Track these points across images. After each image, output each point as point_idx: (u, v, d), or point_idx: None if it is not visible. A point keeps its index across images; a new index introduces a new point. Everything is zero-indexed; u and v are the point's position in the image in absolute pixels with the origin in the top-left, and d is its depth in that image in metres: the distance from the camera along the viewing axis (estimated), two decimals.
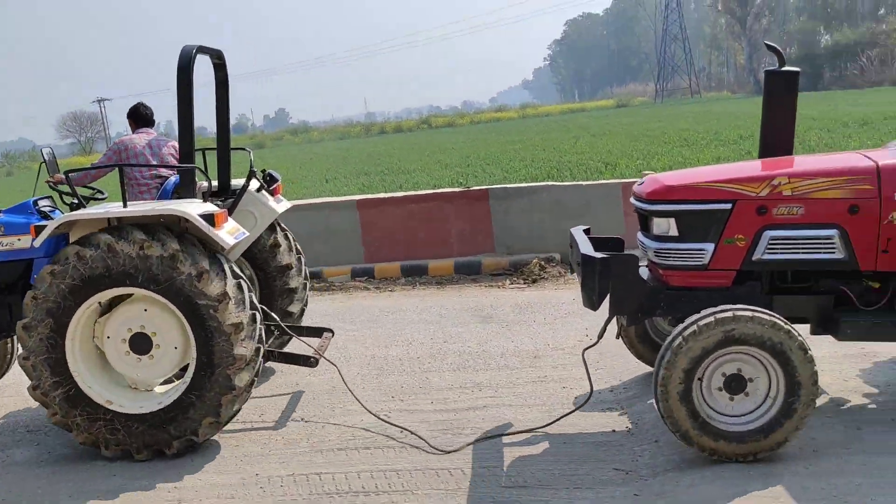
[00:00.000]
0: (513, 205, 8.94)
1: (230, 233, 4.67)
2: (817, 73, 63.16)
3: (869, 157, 4.13)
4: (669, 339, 3.89)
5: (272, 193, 5.75)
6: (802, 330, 4.05)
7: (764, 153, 4.84)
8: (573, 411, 4.70)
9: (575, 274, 4.66)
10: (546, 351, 6.08)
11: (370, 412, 4.97)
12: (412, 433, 4.66)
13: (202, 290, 4.38)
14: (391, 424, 4.81)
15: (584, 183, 9.32)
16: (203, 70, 5.49)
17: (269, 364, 5.88)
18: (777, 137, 4.83)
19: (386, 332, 6.97)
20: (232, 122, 5.85)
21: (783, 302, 4.22)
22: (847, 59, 60.02)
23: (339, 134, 68.40)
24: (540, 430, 4.58)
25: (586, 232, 4.82)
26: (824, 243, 4.06)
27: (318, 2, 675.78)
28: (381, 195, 10.29)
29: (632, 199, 4.50)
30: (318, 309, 8.03)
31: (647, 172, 6.20)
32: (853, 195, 4.00)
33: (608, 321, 4.57)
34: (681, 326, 3.88)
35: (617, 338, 5.12)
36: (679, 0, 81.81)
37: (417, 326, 7.07)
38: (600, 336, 4.70)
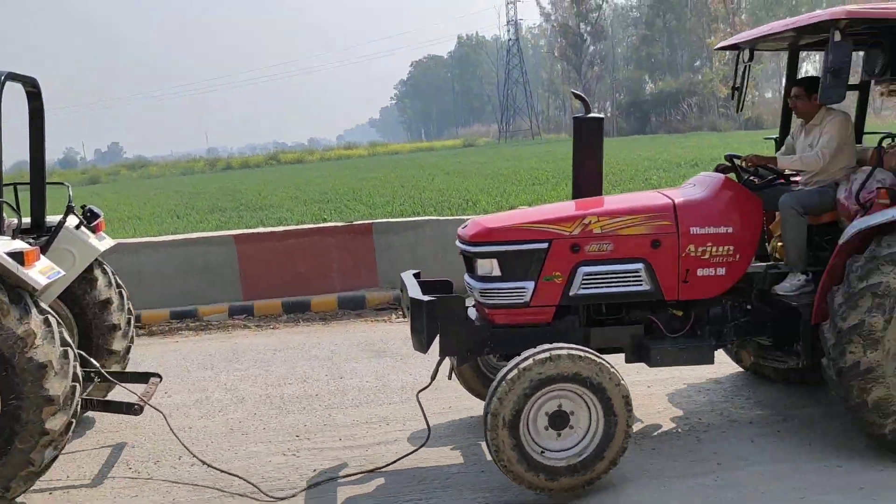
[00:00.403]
0: (396, 239, 8.98)
1: (42, 272, 4.34)
2: (644, 118, 68.15)
3: (666, 196, 4.53)
4: (483, 410, 3.95)
5: (94, 230, 5.45)
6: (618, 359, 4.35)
7: (576, 194, 5.13)
8: (416, 450, 4.64)
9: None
10: (445, 382, 6.03)
11: (201, 461, 4.76)
12: (245, 480, 4.49)
13: None
14: (223, 472, 4.61)
15: (466, 217, 9.52)
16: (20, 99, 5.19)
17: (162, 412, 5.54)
18: (587, 178, 5.12)
19: (277, 371, 6.76)
20: (59, 155, 5.68)
21: (599, 333, 4.50)
22: (670, 105, 65.08)
23: (182, 169, 65.55)
24: (380, 469, 4.54)
25: (416, 276, 4.90)
26: (632, 276, 4.36)
27: (152, 33, 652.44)
28: (260, 230, 10.02)
29: (457, 243, 4.61)
30: (198, 349, 7.68)
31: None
32: (654, 231, 4.35)
33: (440, 362, 4.69)
34: (486, 400, 3.94)
35: (449, 378, 5.16)
36: (519, 45, 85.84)
37: (310, 363, 6.92)
38: (433, 378, 4.78)
